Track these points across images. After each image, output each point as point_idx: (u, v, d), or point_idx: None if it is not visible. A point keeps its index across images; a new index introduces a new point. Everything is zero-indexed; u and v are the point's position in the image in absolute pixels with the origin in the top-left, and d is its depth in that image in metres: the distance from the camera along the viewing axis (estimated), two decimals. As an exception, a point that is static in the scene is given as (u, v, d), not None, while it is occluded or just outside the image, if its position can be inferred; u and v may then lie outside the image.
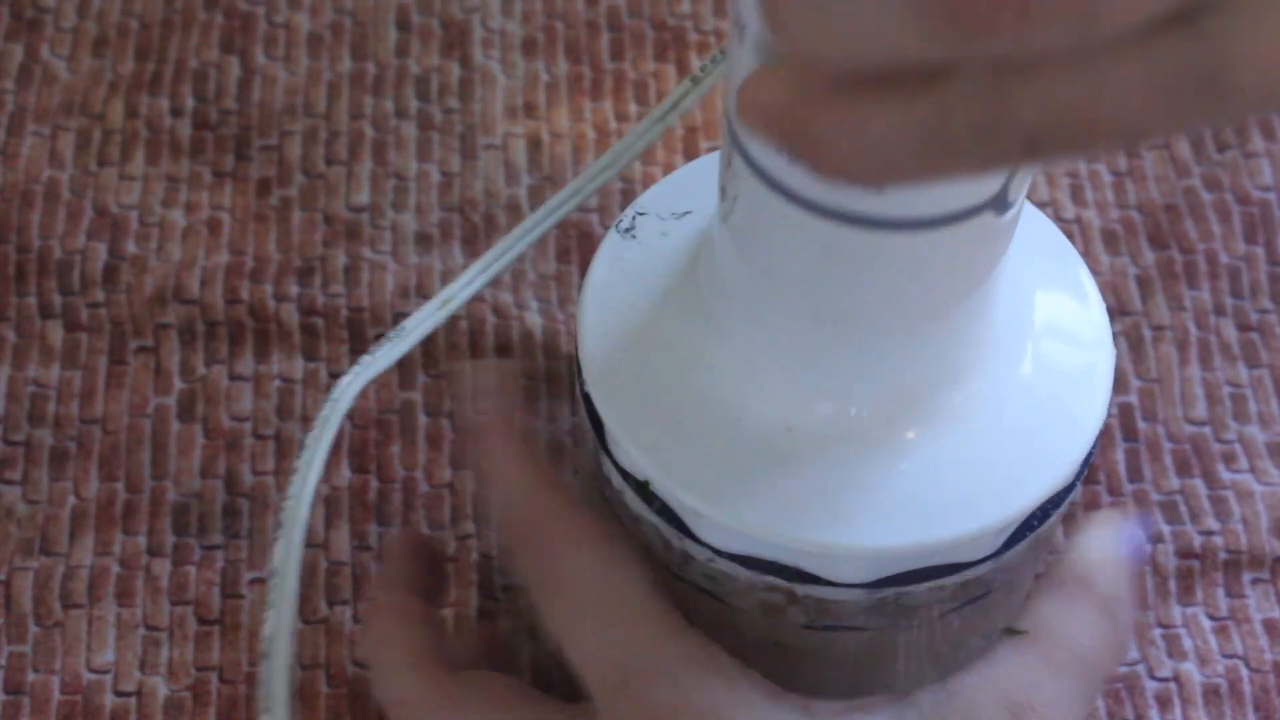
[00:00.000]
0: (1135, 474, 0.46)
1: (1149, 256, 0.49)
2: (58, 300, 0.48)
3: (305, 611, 0.43)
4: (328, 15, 0.53)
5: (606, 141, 0.51)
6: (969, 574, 0.36)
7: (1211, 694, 0.43)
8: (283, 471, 0.45)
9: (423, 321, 0.41)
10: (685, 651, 0.34)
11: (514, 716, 0.36)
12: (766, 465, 0.35)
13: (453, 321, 0.47)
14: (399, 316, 0.47)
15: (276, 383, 0.46)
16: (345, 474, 0.45)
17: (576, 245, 0.49)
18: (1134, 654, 0.43)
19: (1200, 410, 0.46)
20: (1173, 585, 0.44)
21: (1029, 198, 0.34)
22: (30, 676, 0.42)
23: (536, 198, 0.50)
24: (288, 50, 0.52)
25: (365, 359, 0.40)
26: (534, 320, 0.47)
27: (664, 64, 0.52)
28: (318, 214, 0.49)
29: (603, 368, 0.37)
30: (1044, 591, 0.37)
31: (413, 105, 0.51)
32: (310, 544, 0.44)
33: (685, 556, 0.36)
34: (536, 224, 0.43)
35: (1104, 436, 0.46)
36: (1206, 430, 0.46)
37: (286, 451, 0.45)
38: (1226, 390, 0.47)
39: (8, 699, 0.42)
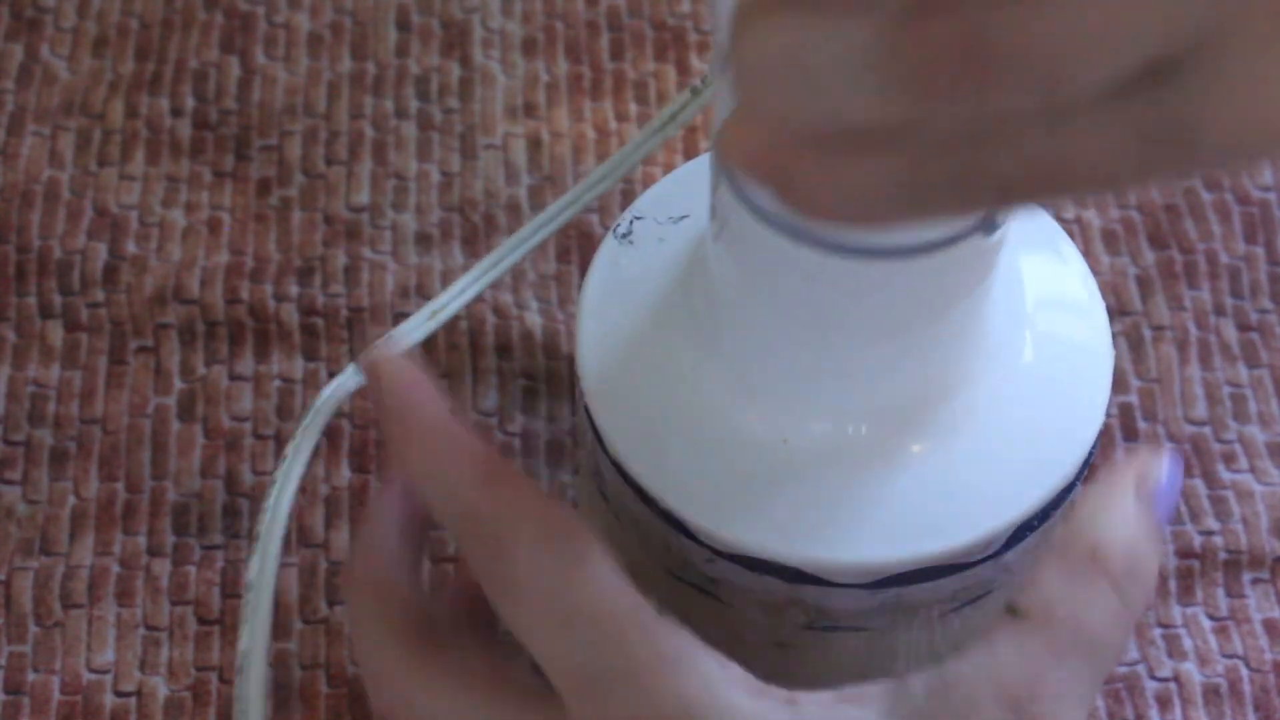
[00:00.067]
0: (1135, 474, 0.46)
1: (1149, 256, 0.49)
2: (58, 300, 0.48)
3: (305, 611, 0.43)
4: (328, 15, 0.53)
5: (607, 141, 0.50)
6: (970, 575, 0.36)
7: (1211, 694, 0.43)
8: (283, 471, 0.45)
9: (410, 333, 0.41)
10: (654, 652, 0.32)
11: (485, 702, 0.34)
12: (764, 479, 0.35)
13: (452, 322, 0.47)
14: (399, 317, 0.47)
15: (276, 383, 0.46)
16: (345, 474, 0.45)
17: (576, 245, 0.49)
18: (1134, 654, 0.43)
19: (1200, 410, 0.46)
20: (1173, 585, 0.44)
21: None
22: (30, 676, 0.42)
23: (536, 198, 0.50)
24: (288, 50, 0.52)
25: (349, 369, 0.40)
26: (534, 320, 0.47)
27: (664, 64, 0.52)
28: (318, 214, 0.49)
29: (601, 379, 0.37)
30: (1048, 566, 0.33)
31: (413, 105, 0.51)
32: (310, 544, 0.44)
33: (684, 558, 0.36)
34: (530, 234, 0.43)
35: (1104, 436, 0.46)
36: (1206, 430, 0.46)
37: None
38: (1226, 390, 0.47)
39: (8, 699, 0.42)
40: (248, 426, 0.46)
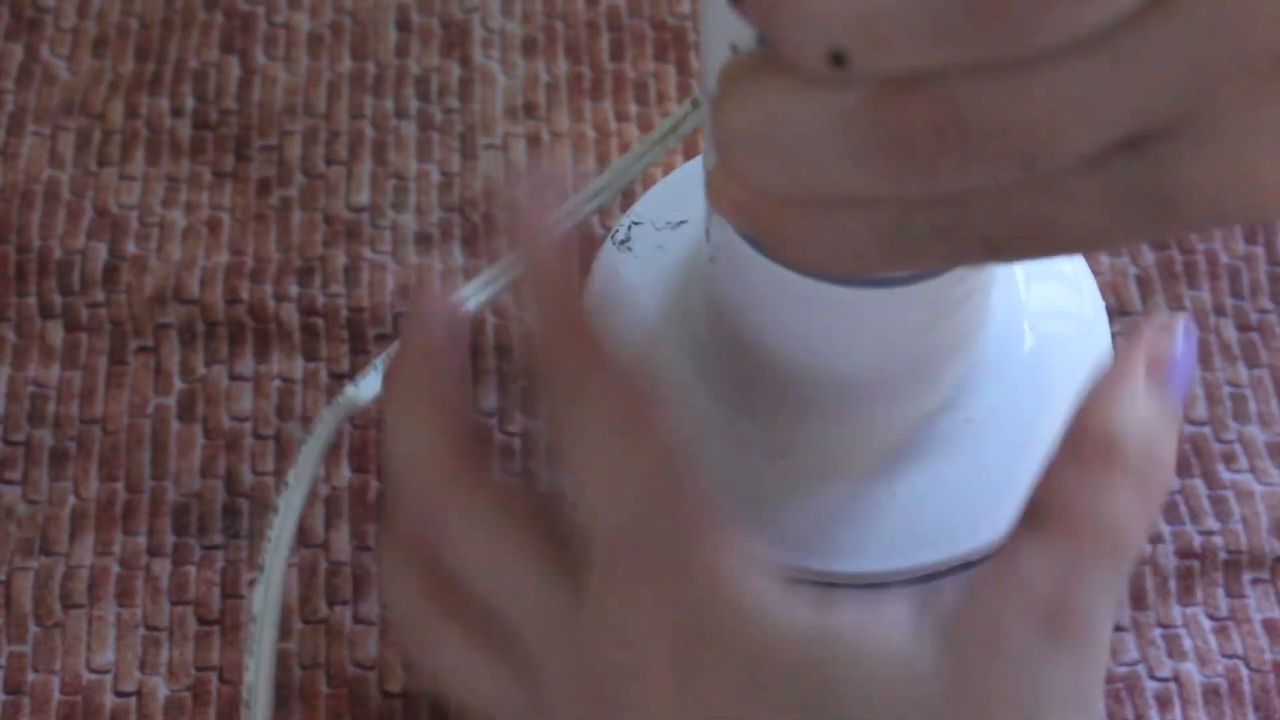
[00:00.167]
0: (1135, 474, 0.45)
1: (1149, 256, 0.49)
2: (58, 300, 0.48)
3: (305, 611, 0.43)
4: (328, 15, 0.53)
5: (607, 142, 0.50)
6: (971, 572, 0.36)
7: (1211, 694, 0.43)
8: (283, 472, 0.45)
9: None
10: (699, 524, 0.31)
11: (525, 546, 0.34)
12: (764, 491, 0.35)
13: (453, 321, 0.47)
14: (399, 317, 0.47)
15: (276, 383, 0.46)
16: (345, 474, 0.45)
17: (576, 245, 0.49)
18: (1134, 654, 0.43)
19: (1200, 410, 0.46)
20: (1173, 585, 0.44)
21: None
22: (30, 676, 0.42)
23: (536, 198, 0.50)
24: (288, 50, 0.52)
25: (349, 389, 0.40)
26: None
27: (664, 64, 0.52)
28: (318, 214, 0.49)
29: None
30: (1063, 461, 0.32)
31: (413, 105, 0.51)
32: (310, 544, 0.44)
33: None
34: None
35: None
36: (1206, 430, 0.46)
37: (286, 451, 0.45)
38: (1226, 390, 0.47)
39: (8, 699, 0.42)
40: (248, 426, 0.46)
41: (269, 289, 0.48)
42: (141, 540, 0.44)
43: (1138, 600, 0.44)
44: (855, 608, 0.31)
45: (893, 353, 0.34)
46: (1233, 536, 0.45)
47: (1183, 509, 0.45)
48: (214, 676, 0.42)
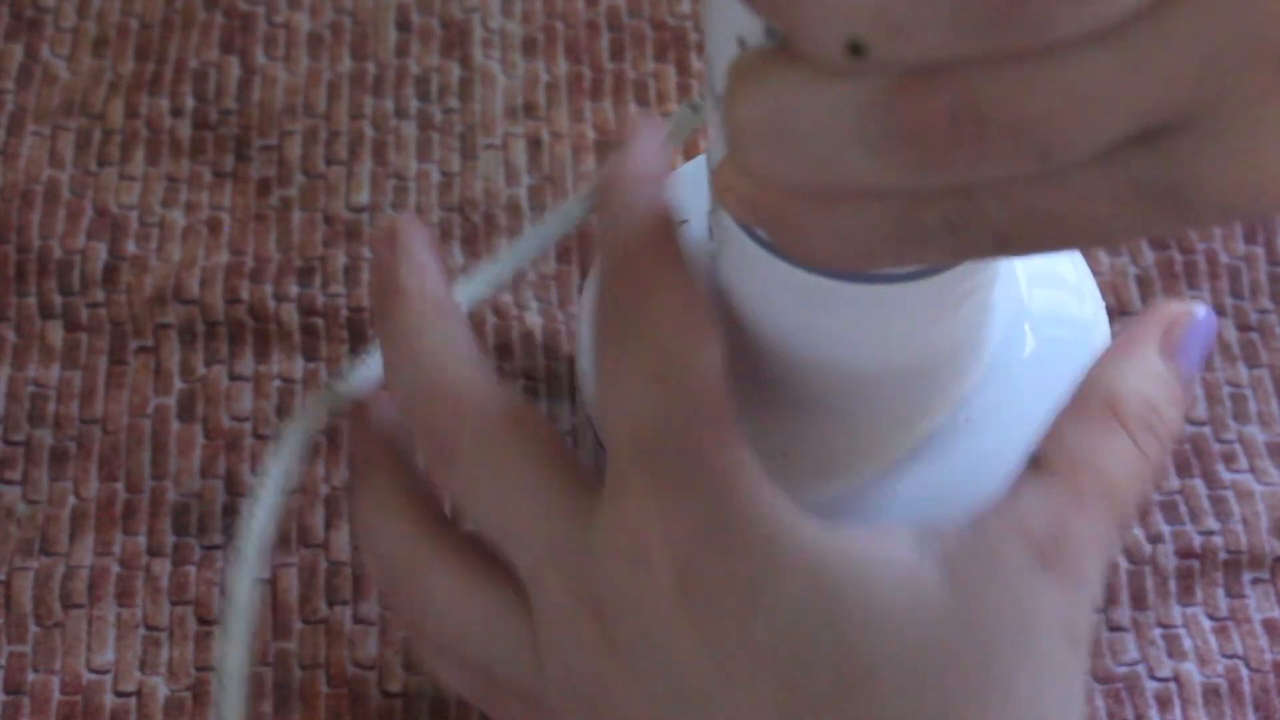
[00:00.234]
0: (1135, 474, 0.46)
1: (1149, 256, 0.49)
2: (58, 300, 0.48)
3: (305, 611, 0.43)
4: (328, 15, 0.53)
5: (607, 142, 0.50)
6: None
7: (1211, 694, 0.43)
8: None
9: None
10: (720, 438, 0.32)
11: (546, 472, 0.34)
12: None
13: (453, 321, 0.47)
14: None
15: (276, 383, 0.46)
16: (345, 474, 0.45)
17: (576, 245, 0.49)
18: (1134, 654, 0.43)
19: (1200, 410, 0.46)
20: (1173, 585, 0.44)
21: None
22: (30, 676, 0.42)
23: (536, 198, 0.50)
24: (288, 50, 0.52)
25: (328, 382, 0.40)
26: (534, 320, 0.47)
27: (664, 64, 0.52)
28: (318, 214, 0.49)
29: None
30: (1068, 415, 0.33)
31: (413, 105, 0.51)
32: (310, 544, 0.44)
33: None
34: (517, 251, 0.42)
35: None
36: (1206, 430, 0.46)
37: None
38: (1226, 390, 0.47)
39: (8, 699, 0.42)
40: (248, 426, 0.46)
41: (269, 289, 0.48)
42: (141, 540, 0.44)
43: (1138, 600, 0.44)
44: (860, 530, 0.32)
45: (895, 350, 0.34)
46: (1233, 536, 0.45)
47: (1183, 509, 0.45)
48: (214, 677, 0.42)
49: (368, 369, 0.38)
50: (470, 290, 0.40)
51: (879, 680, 0.31)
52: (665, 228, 0.34)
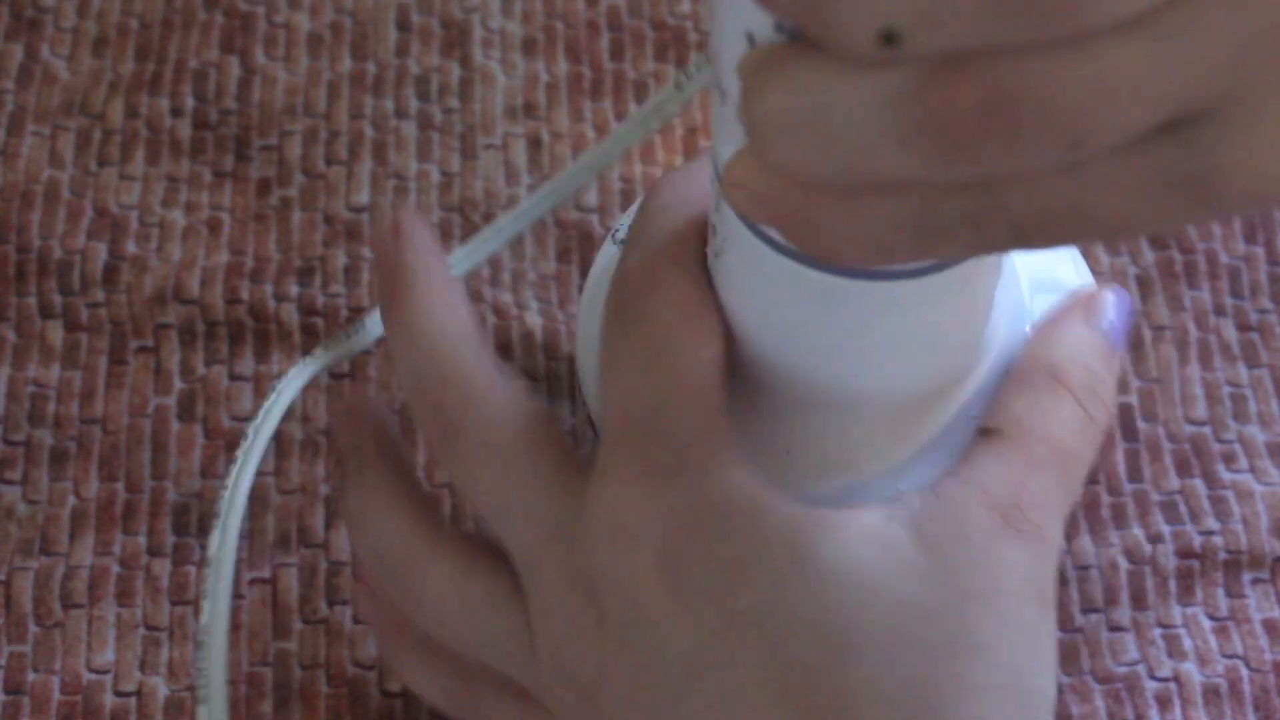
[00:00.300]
0: (1135, 474, 0.46)
1: (1149, 256, 0.49)
2: (58, 300, 0.48)
3: (305, 611, 0.43)
4: (328, 15, 0.53)
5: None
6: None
7: (1211, 694, 0.43)
8: (283, 471, 0.45)
9: (379, 324, 0.41)
10: (704, 424, 0.33)
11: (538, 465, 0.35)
12: None
13: (453, 321, 0.47)
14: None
15: (276, 383, 0.46)
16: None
17: (577, 245, 0.49)
18: (1134, 654, 0.43)
19: (1200, 410, 0.46)
20: (1173, 585, 0.44)
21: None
22: (30, 676, 0.42)
23: (536, 198, 0.50)
24: (288, 50, 0.52)
25: (308, 358, 0.41)
26: (534, 320, 0.47)
27: (664, 64, 0.52)
28: (318, 214, 0.49)
29: None
30: (1012, 386, 0.35)
31: (413, 105, 0.51)
32: (310, 544, 0.44)
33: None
34: (508, 225, 0.43)
35: (1104, 437, 0.46)
36: (1206, 430, 0.46)
37: (287, 452, 0.45)
38: (1226, 390, 0.47)
39: (8, 699, 0.42)
40: (248, 427, 0.46)
41: (269, 289, 0.48)
42: (141, 540, 0.44)
43: (1138, 600, 0.44)
44: (835, 508, 0.33)
45: (899, 350, 0.34)
46: (1233, 536, 0.45)
47: (1183, 509, 0.45)
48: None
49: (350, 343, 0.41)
50: (462, 259, 0.41)
51: (861, 642, 0.32)
52: (687, 235, 0.35)
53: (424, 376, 0.36)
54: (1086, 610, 0.44)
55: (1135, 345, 0.47)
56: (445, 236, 0.49)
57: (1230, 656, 0.43)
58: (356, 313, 0.47)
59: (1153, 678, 0.43)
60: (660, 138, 0.50)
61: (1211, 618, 0.44)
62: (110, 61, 0.52)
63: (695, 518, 0.33)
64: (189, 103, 0.51)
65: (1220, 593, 0.44)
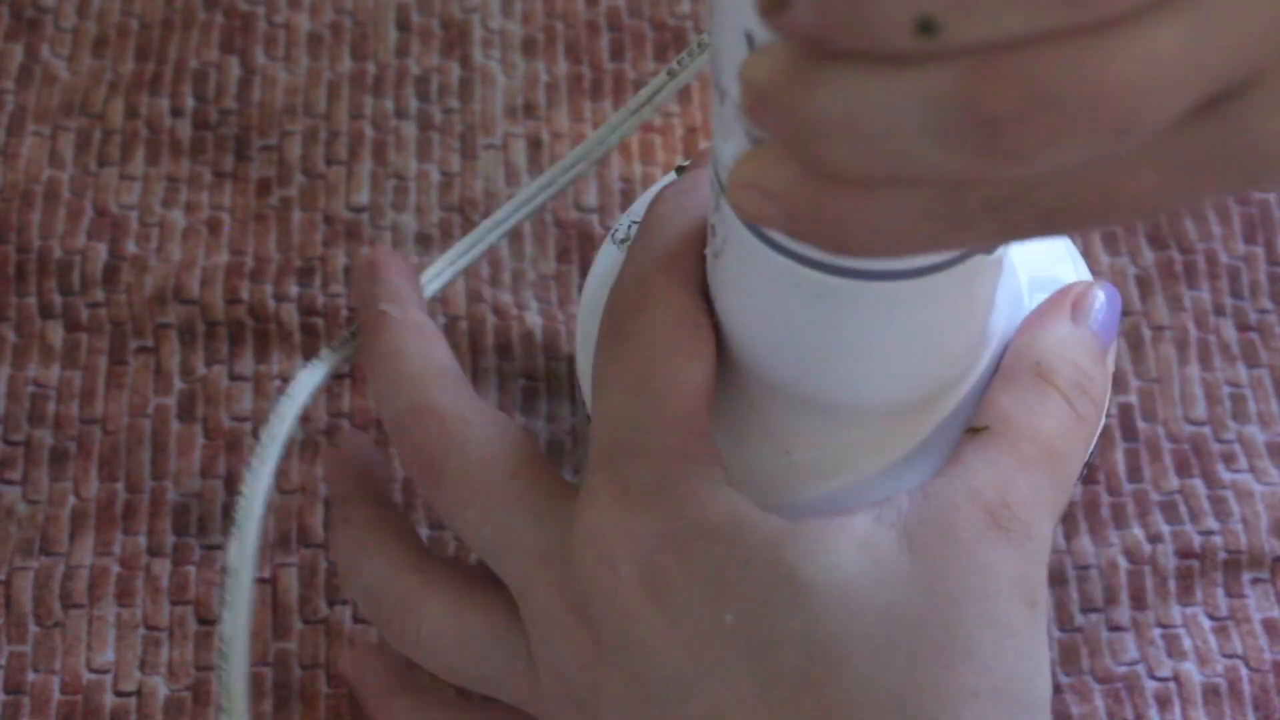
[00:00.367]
0: (1135, 474, 0.46)
1: (1149, 256, 0.49)
2: (58, 300, 0.48)
3: (305, 611, 0.43)
4: (328, 15, 0.53)
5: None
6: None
7: (1211, 694, 0.43)
8: (282, 472, 0.45)
9: None
10: (687, 446, 0.33)
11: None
12: (766, 490, 0.35)
13: (452, 322, 0.47)
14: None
15: (276, 383, 0.46)
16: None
17: (577, 245, 0.49)
18: (1134, 654, 0.43)
19: (1200, 410, 0.46)
20: (1173, 585, 0.44)
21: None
22: (30, 676, 0.42)
23: (536, 198, 0.50)
24: (288, 50, 0.52)
25: (315, 360, 0.41)
26: (534, 320, 0.47)
27: (664, 64, 0.52)
28: (318, 214, 0.49)
29: None
30: (999, 384, 0.35)
31: (413, 105, 0.51)
32: (310, 544, 0.44)
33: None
34: (505, 218, 0.43)
35: (1104, 436, 0.46)
36: (1206, 430, 0.46)
37: (287, 452, 0.45)
38: (1226, 390, 0.47)
39: (8, 699, 0.42)
40: (248, 426, 0.46)
41: (269, 289, 0.48)
42: (141, 540, 0.44)
43: (1138, 600, 0.44)
44: (821, 519, 0.33)
45: (896, 349, 0.34)
46: (1233, 536, 0.45)
47: (1183, 509, 0.45)
48: (214, 677, 0.42)
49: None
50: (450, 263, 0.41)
51: (848, 652, 0.32)
52: (684, 247, 0.35)
53: (403, 416, 0.37)
54: (1086, 610, 0.44)
55: (1135, 345, 0.47)
56: (445, 236, 0.49)
57: (1230, 656, 0.43)
58: (357, 313, 0.47)
59: (1152, 677, 0.43)
60: (660, 137, 0.50)
61: (1211, 617, 0.44)
62: (110, 61, 0.52)
63: (677, 536, 0.33)
64: (189, 103, 0.51)
65: (1220, 593, 0.44)
